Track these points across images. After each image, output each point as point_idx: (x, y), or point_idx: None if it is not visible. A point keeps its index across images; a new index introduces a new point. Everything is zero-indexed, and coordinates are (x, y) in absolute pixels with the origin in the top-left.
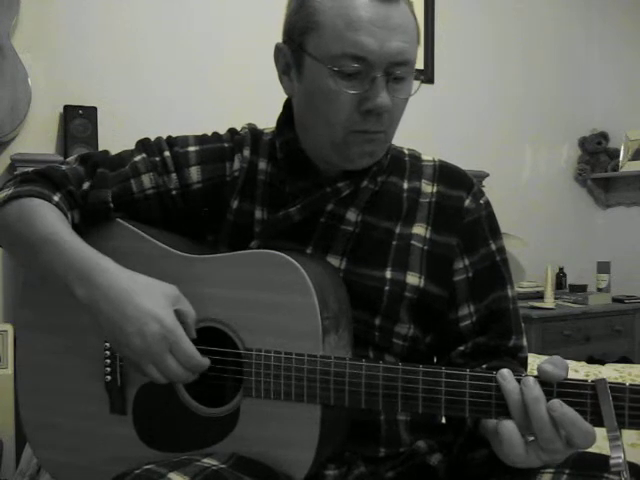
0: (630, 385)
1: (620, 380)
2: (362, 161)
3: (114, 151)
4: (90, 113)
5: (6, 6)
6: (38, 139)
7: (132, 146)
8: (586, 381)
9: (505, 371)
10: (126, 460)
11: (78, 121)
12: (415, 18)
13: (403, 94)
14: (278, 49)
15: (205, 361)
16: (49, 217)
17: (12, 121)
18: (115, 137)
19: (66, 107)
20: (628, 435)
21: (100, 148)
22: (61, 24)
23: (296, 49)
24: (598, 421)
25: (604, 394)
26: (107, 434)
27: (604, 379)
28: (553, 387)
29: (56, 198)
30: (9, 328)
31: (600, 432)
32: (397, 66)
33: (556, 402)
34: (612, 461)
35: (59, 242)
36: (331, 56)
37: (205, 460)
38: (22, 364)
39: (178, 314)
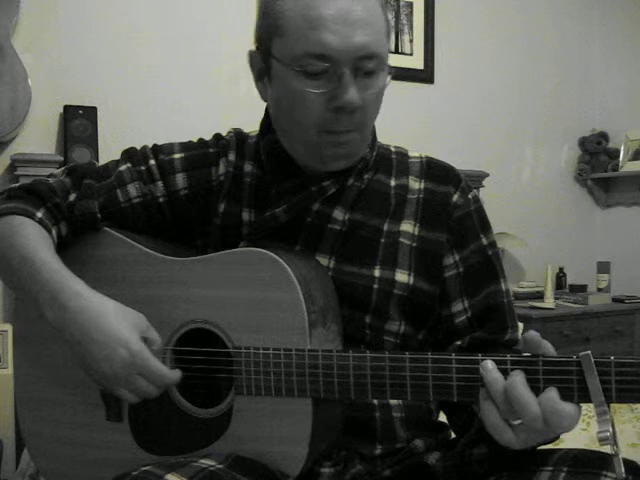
0: (615, 359)
1: None
2: (337, 164)
3: (114, 151)
4: (90, 113)
5: (6, 6)
6: (38, 139)
7: (132, 145)
8: (571, 357)
9: (489, 363)
10: (124, 466)
11: (78, 121)
12: (384, 10)
13: (375, 89)
14: (251, 56)
15: (175, 375)
16: (29, 236)
17: (12, 121)
18: (115, 137)
19: (66, 107)
20: (628, 435)
21: (100, 148)
22: (61, 24)
23: (265, 54)
24: (585, 397)
25: (589, 369)
26: (104, 441)
27: (588, 354)
28: (539, 365)
29: (39, 214)
30: (9, 328)
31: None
32: (364, 60)
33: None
34: (600, 435)
35: (35, 263)
36: (295, 57)
37: (202, 461)
38: (19, 376)
39: (145, 342)
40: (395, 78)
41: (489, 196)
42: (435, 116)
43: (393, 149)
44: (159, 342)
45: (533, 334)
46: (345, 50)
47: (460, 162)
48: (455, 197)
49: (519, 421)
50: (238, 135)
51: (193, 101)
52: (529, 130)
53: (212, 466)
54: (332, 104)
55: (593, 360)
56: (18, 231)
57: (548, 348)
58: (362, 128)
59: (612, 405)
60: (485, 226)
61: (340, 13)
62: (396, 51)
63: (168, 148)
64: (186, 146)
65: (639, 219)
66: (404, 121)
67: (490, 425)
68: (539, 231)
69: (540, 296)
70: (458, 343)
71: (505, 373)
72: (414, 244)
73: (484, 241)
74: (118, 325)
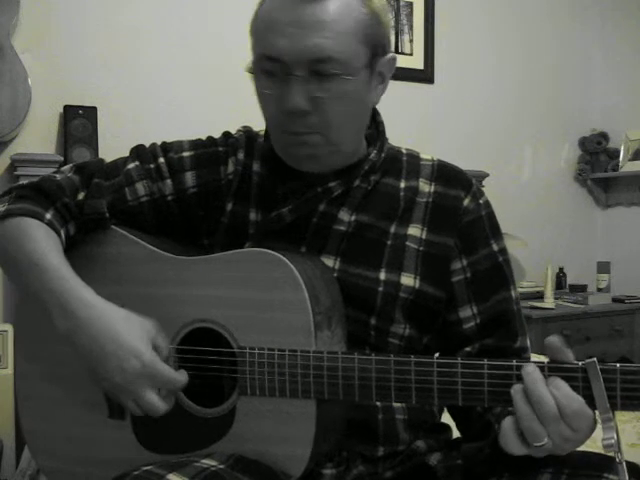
0: (621, 366)
1: None
2: (306, 164)
3: (114, 150)
4: (90, 113)
5: (6, 6)
6: (38, 139)
7: (132, 145)
8: (577, 364)
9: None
10: (126, 465)
11: (78, 121)
12: (360, 13)
13: (332, 92)
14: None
15: (184, 377)
16: (38, 240)
17: (12, 121)
18: (115, 137)
19: (66, 107)
20: (628, 435)
21: (100, 148)
22: (61, 24)
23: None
24: (590, 403)
25: (595, 376)
26: (107, 440)
27: (594, 361)
28: (545, 372)
29: (48, 216)
30: (9, 328)
31: (598, 435)
32: (319, 63)
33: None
34: (605, 442)
35: (44, 269)
36: (256, 58)
37: (204, 461)
38: (20, 373)
39: (156, 349)
40: (395, 78)
41: (489, 196)
42: (435, 116)
43: (404, 151)
44: (166, 349)
45: (554, 339)
46: (294, 53)
47: (460, 162)
48: (466, 201)
49: (541, 443)
50: (248, 134)
51: (194, 101)
52: (529, 130)
53: (214, 466)
54: (281, 107)
55: (599, 367)
56: (27, 234)
57: (569, 356)
58: (325, 131)
59: None
60: (496, 232)
61: (296, 16)
62: (396, 51)
63: (177, 146)
64: (195, 144)
65: (639, 219)
66: (404, 121)
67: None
68: (539, 231)
69: (540, 296)
70: (468, 349)
71: (510, 379)
72: (421, 248)
73: (495, 247)
74: (130, 335)
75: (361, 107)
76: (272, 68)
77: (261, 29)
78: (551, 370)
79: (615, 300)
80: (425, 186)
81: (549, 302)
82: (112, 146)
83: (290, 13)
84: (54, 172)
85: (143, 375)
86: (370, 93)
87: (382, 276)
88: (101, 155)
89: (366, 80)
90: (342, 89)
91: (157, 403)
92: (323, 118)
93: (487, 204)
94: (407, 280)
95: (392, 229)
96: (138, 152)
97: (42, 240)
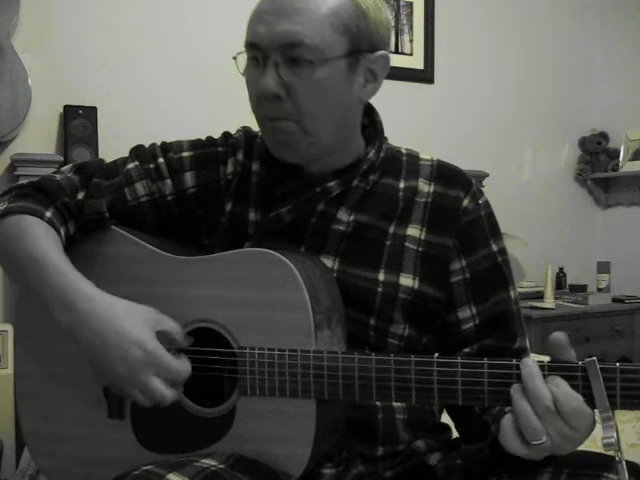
0: (620, 365)
1: None
2: (281, 153)
3: (114, 150)
4: (90, 113)
5: (6, 6)
6: (38, 139)
7: (132, 145)
8: (577, 363)
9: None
10: (126, 464)
11: (78, 121)
12: (338, 4)
13: (305, 78)
14: None
15: (187, 366)
16: (38, 237)
17: (12, 121)
18: (115, 137)
19: (66, 107)
20: (628, 435)
21: (100, 148)
22: (61, 24)
23: None
24: (590, 402)
25: (595, 375)
26: (106, 439)
27: (594, 360)
28: (545, 371)
29: (48, 214)
30: (9, 328)
31: (598, 434)
32: (291, 49)
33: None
34: (605, 441)
35: (45, 265)
36: (244, 47)
37: (204, 460)
38: (20, 372)
39: (163, 334)
40: (395, 78)
41: (489, 196)
42: (435, 116)
43: (404, 151)
44: (176, 329)
45: (559, 336)
46: (268, 38)
47: (460, 162)
48: (465, 202)
49: (540, 441)
50: (247, 134)
51: (194, 101)
52: (529, 130)
53: (214, 466)
54: (256, 91)
55: (599, 366)
56: (27, 232)
57: (572, 355)
58: (300, 119)
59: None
60: (495, 232)
61: (273, 5)
62: (396, 51)
63: (177, 146)
64: (195, 144)
65: (639, 219)
66: (404, 121)
67: (509, 441)
68: (539, 231)
69: (540, 296)
70: (467, 350)
71: (510, 378)
72: (420, 248)
73: (494, 247)
74: (131, 326)
75: (340, 99)
76: (254, 55)
77: (250, 18)
78: (551, 369)
79: (615, 300)
80: (424, 186)
81: (549, 302)
82: (112, 146)
83: (270, 3)
84: (54, 172)
85: (146, 364)
86: (352, 87)
87: (381, 277)
88: (101, 155)
89: (343, 71)
90: (314, 76)
91: (163, 390)
92: (295, 104)
93: (487, 204)
94: (406, 281)
95: (391, 229)
96: (138, 152)
97: (42, 237)
